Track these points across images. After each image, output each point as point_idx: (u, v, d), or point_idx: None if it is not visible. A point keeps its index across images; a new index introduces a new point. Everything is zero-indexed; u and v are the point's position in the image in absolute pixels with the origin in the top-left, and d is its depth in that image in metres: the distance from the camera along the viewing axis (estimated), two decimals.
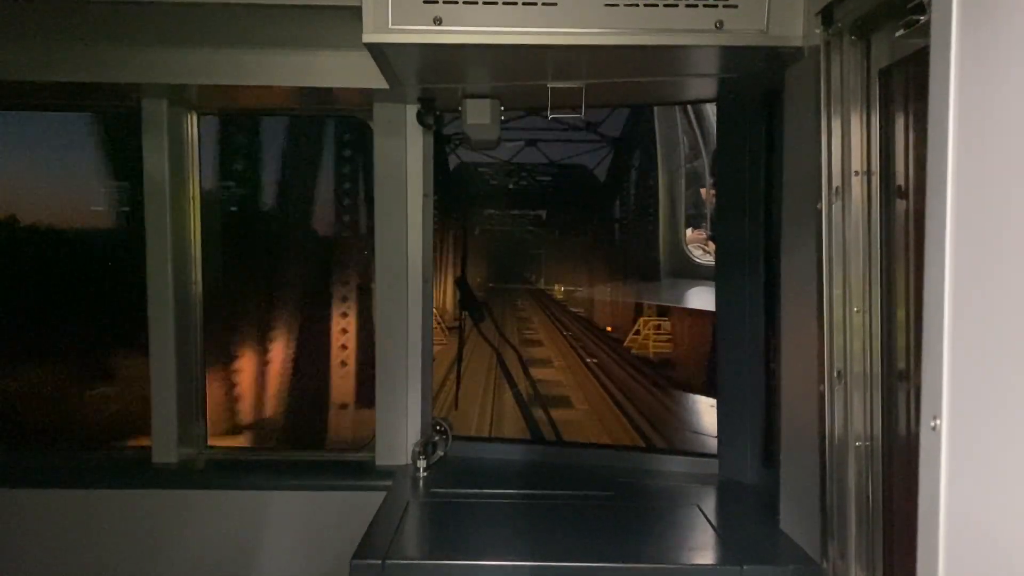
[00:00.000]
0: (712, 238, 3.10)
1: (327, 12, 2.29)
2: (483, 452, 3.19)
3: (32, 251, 3.54)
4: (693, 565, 2.15)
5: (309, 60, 2.61)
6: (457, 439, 3.13)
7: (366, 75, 2.49)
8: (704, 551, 2.28)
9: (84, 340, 3.53)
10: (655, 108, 3.17)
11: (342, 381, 3.66)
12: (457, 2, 2.05)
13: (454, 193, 3.35)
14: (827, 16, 1.92)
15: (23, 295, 3.46)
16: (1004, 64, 0.98)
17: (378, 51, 2.18)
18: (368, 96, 2.88)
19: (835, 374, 1.95)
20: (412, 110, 2.94)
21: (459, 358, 3.60)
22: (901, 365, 1.84)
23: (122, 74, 2.65)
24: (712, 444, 2.99)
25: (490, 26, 2.06)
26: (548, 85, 2.50)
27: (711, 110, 3.07)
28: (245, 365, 3.61)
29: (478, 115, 2.69)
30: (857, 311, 1.91)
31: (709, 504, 2.62)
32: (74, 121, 3.47)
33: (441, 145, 3.06)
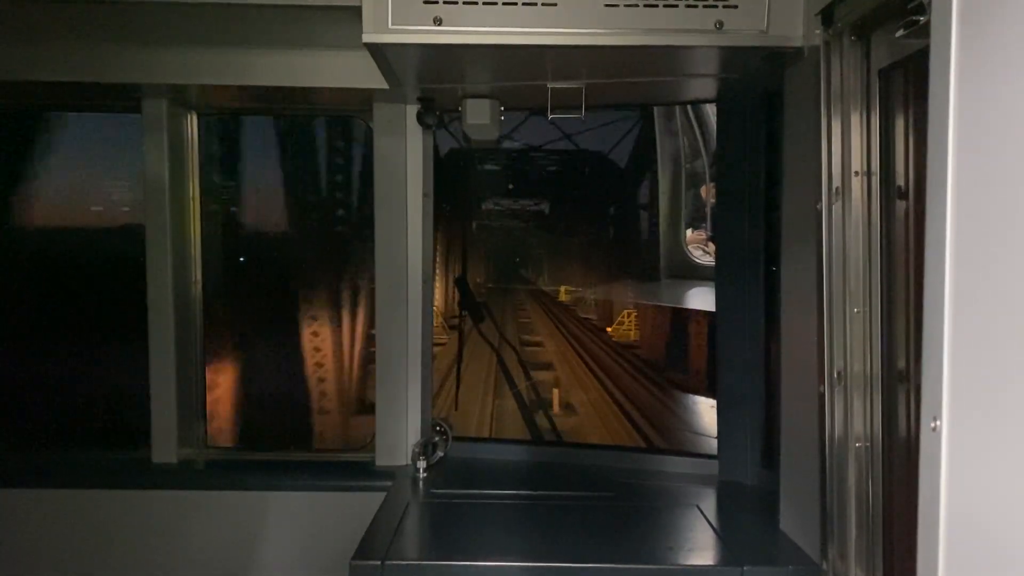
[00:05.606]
0: (712, 239, 3.09)
1: (327, 12, 2.29)
2: (483, 453, 3.19)
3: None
4: (693, 566, 2.15)
5: (309, 60, 2.62)
6: (457, 440, 3.13)
7: (366, 75, 2.49)
8: (704, 552, 2.28)
9: None
10: (655, 108, 3.18)
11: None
12: (457, 2, 2.05)
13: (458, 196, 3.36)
14: (827, 16, 1.92)
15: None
16: (1004, 64, 0.97)
17: (378, 51, 2.18)
18: (368, 96, 2.88)
19: (835, 375, 1.94)
20: (412, 110, 2.94)
21: (459, 358, 3.60)
22: (901, 366, 1.84)
23: (122, 74, 2.65)
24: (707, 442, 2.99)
25: (490, 26, 2.06)
26: (548, 85, 2.50)
27: (711, 110, 3.06)
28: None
29: (478, 115, 2.70)
30: (857, 311, 1.91)
31: (709, 505, 2.62)
32: None
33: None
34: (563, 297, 3.64)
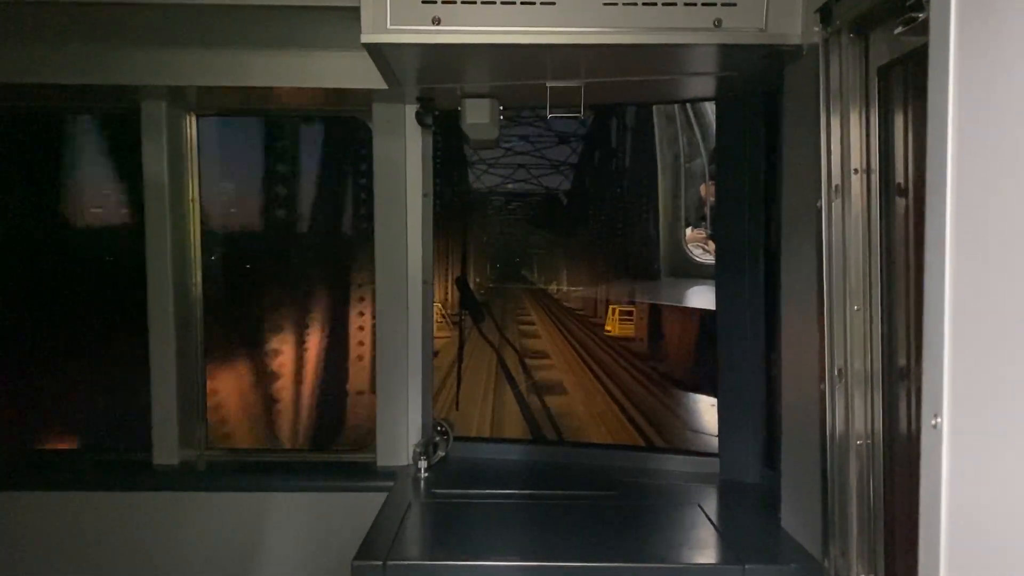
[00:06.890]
0: (712, 237, 3.09)
1: (325, 12, 2.29)
2: (484, 452, 3.19)
3: None
4: (694, 564, 2.15)
5: (308, 61, 2.62)
6: (458, 439, 3.13)
7: (365, 75, 2.49)
8: (705, 550, 2.28)
9: None
10: (653, 107, 3.19)
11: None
12: (455, 2, 2.05)
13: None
14: (826, 14, 1.92)
15: None
16: (1003, 61, 0.97)
17: (377, 51, 2.18)
18: (367, 96, 2.88)
19: (835, 372, 1.94)
20: (411, 110, 2.94)
21: (459, 357, 3.61)
22: (902, 363, 1.84)
23: (121, 76, 2.65)
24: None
25: (488, 26, 2.06)
26: (547, 84, 2.50)
27: (710, 108, 3.06)
28: None
29: (477, 115, 2.69)
30: (857, 309, 1.91)
31: (710, 503, 2.62)
32: None
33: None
34: (613, 328, 3.15)
